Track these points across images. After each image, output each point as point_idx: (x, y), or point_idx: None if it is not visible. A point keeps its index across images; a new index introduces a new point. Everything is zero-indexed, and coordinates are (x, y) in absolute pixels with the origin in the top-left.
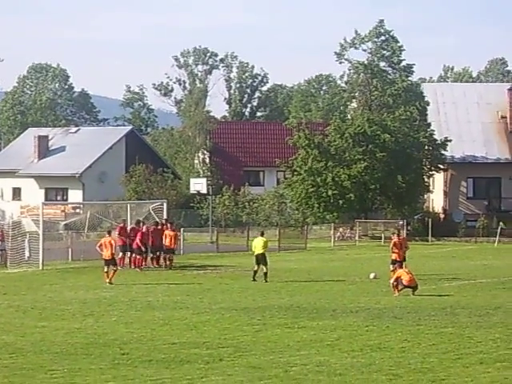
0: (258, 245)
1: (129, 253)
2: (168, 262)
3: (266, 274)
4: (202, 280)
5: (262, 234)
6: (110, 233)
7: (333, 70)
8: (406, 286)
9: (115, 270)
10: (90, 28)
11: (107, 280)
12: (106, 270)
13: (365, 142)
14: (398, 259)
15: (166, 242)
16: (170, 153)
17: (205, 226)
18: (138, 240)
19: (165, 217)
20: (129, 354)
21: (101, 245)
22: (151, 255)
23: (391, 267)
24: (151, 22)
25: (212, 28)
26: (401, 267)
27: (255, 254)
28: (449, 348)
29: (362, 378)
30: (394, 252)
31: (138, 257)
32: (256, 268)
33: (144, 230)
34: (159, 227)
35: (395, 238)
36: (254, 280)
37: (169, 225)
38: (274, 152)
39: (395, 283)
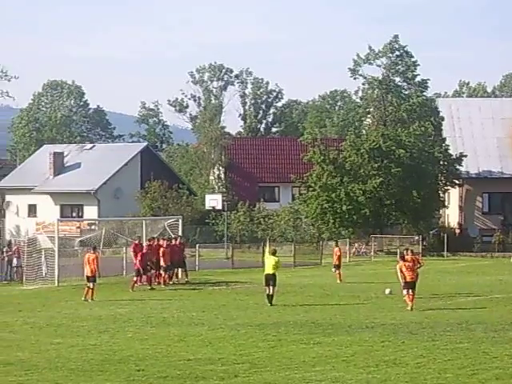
0: (269, 264)
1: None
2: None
3: (271, 296)
4: (218, 296)
5: (274, 253)
6: (94, 249)
7: (348, 85)
8: (407, 283)
9: (92, 288)
10: (105, 45)
11: (87, 297)
12: (88, 285)
13: (380, 157)
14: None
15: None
16: (185, 169)
17: (220, 242)
18: (138, 260)
19: (180, 233)
20: (144, 370)
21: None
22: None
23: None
24: (166, 39)
25: (227, 44)
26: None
27: (265, 273)
28: (464, 363)
29: None
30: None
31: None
32: (268, 290)
33: (145, 249)
34: (175, 243)
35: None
36: (271, 304)
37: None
38: (289, 168)
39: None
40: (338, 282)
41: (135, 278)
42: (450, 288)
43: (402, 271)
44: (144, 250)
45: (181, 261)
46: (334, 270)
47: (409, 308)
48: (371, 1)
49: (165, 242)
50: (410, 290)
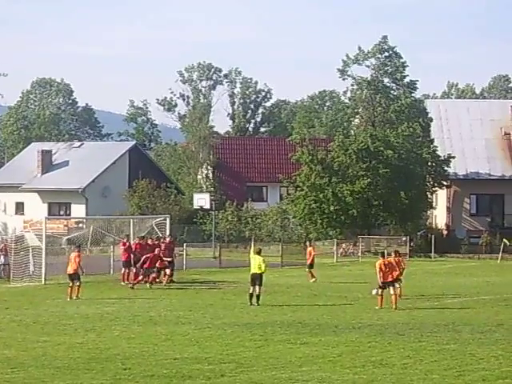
0: (255, 264)
1: (134, 268)
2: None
3: (258, 296)
4: (205, 295)
5: (259, 253)
6: (78, 247)
7: (336, 85)
8: (384, 283)
9: (78, 286)
10: (94, 43)
11: (73, 295)
12: (70, 284)
13: (368, 158)
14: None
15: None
16: (174, 168)
17: (208, 242)
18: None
19: (167, 232)
20: (131, 369)
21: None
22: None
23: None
24: (156, 37)
25: (216, 44)
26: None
27: (251, 273)
28: (451, 365)
29: None
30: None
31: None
32: (252, 290)
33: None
34: (167, 241)
35: (392, 258)
36: (252, 304)
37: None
38: (277, 167)
39: (379, 292)
40: (313, 279)
41: (140, 277)
42: (437, 289)
43: (381, 269)
44: (156, 252)
45: (170, 260)
46: (307, 269)
47: (377, 307)
48: (360, 1)
49: (162, 243)
50: (392, 289)
